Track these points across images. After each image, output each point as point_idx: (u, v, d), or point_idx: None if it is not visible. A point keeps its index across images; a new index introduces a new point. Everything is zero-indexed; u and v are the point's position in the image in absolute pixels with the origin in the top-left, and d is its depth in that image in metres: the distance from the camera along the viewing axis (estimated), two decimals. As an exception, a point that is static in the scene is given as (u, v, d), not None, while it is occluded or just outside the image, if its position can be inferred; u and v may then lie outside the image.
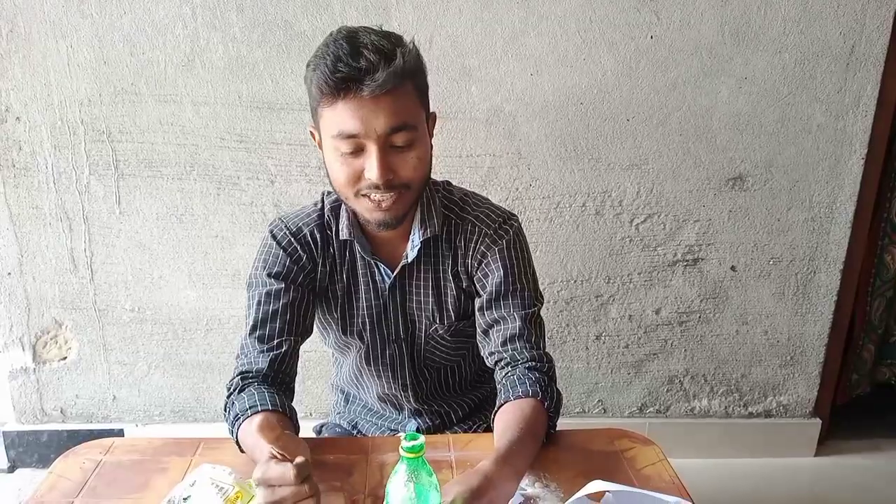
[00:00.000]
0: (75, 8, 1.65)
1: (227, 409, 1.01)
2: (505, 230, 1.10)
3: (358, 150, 0.96)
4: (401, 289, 1.13)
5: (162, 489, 0.93)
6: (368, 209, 1.00)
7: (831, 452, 2.11)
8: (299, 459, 0.78)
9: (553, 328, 1.95)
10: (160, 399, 2.00)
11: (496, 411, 1.03)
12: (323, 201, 1.12)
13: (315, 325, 1.16)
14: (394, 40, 0.95)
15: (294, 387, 1.09)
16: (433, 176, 1.09)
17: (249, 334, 1.07)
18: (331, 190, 1.08)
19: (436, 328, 1.14)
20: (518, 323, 1.07)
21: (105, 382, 1.98)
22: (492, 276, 1.08)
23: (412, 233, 1.08)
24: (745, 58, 1.73)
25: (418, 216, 1.08)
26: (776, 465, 2.06)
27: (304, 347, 1.12)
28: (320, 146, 1.03)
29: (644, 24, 1.69)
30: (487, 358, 1.11)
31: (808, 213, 1.87)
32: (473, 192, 1.16)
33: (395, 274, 1.10)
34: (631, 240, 1.88)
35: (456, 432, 1.24)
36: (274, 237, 1.10)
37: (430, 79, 1.03)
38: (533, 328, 1.08)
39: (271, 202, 1.82)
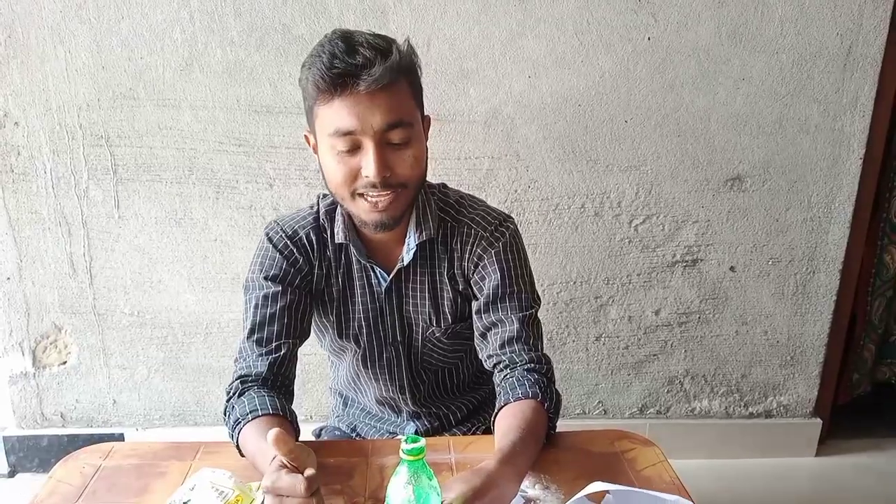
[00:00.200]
0: (73, 13, 1.65)
1: (227, 414, 1.01)
2: (501, 232, 1.10)
3: (354, 148, 0.96)
4: (397, 292, 1.12)
5: (162, 493, 0.93)
6: (365, 210, 1.00)
7: (832, 452, 2.11)
8: (309, 472, 0.78)
9: (553, 330, 1.95)
10: (160, 403, 2.00)
11: (496, 413, 1.03)
12: (318, 204, 1.12)
13: (311, 328, 1.16)
14: (389, 39, 0.96)
15: (293, 389, 1.09)
16: (429, 179, 1.09)
17: (247, 338, 1.07)
18: (326, 192, 1.08)
19: (432, 331, 1.14)
20: (516, 325, 1.07)
21: (105, 386, 1.98)
22: (489, 279, 1.08)
23: (408, 236, 1.08)
24: (742, 59, 1.73)
25: (414, 219, 1.07)
26: (777, 465, 2.06)
27: (303, 350, 1.12)
28: (315, 150, 1.03)
29: (641, 25, 1.70)
30: (486, 361, 1.11)
31: (806, 213, 1.87)
32: (469, 195, 1.16)
33: (391, 277, 1.10)
34: (630, 241, 1.89)
35: (455, 434, 1.24)
36: (270, 240, 1.10)
37: (427, 81, 1.03)
38: (531, 330, 1.08)
39: (270, 206, 1.82)
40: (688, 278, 1.93)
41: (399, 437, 1.23)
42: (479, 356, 1.14)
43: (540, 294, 1.15)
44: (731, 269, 1.93)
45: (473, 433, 1.25)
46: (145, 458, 1.02)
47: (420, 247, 1.09)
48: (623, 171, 1.82)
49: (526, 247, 1.15)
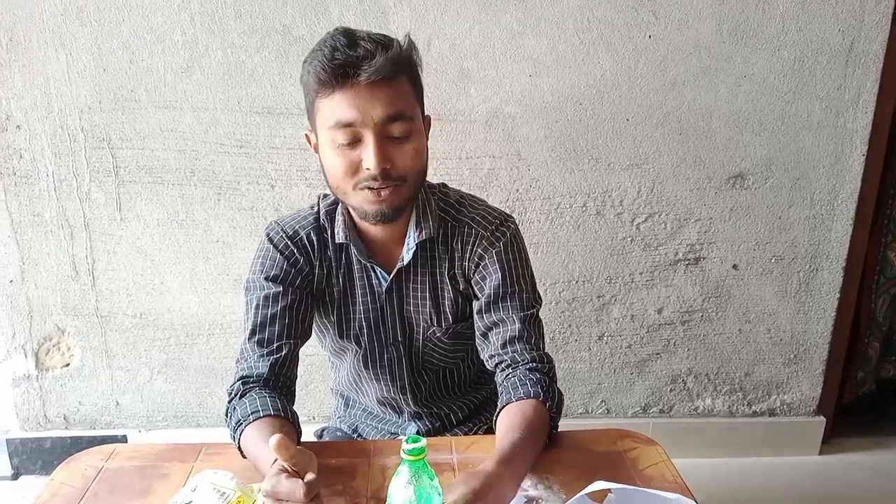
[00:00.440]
0: (74, 16, 1.65)
1: (229, 415, 1.01)
2: (502, 232, 1.10)
3: (355, 141, 0.96)
4: (397, 292, 1.12)
5: (164, 495, 0.93)
6: (368, 200, 0.99)
7: (836, 450, 2.11)
8: (310, 477, 0.78)
9: (555, 329, 1.95)
10: (163, 404, 2.00)
11: (498, 413, 1.02)
12: (318, 204, 1.12)
13: (312, 329, 1.16)
14: (389, 37, 0.97)
15: (295, 390, 1.09)
16: (430, 179, 1.09)
17: (249, 338, 1.07)
18: (327, 193, 1.08)
19: (433, 331, 1.14)
20: (517, 325, 1.07)
21: (108, 388, 1.98)
22: (490, 279, 1.08)
23: (408, 235, 1.08)
24: (743, 56, 1.73)
25: (414, 218, 1.07)
26: (781, 463, 2.06)
27: (305, 351, 1.12)
28: (316, 150, 1.03)
29: (642, 23, 1.69)
30: (487, 360, 1.11)
31: (809, 210, 1.87)
32: (470, 194, 1.16)
33: (391, 277, 1.10)
34: (632, 239, 1.88)
35: (456, 434, 1.24)
36: (271, 241, 1.10)
37: (428, 81, 1.03)
38: (532, 329, 1.08)
39: (272, 207, 1.82)
40: (690, 277, 1.92)
41: (400, 437, 1.22)
42: (481, 356, 1.13)
43: (542, 293, 1.14)
44: (734, 267, 1.92)
45: (475, 433, 1.25)
46: (147, 460, 1.02)
47: (420, 247, 1.09)
48: (625, 169, 1.82)
49: (528, 246, 1.15)
